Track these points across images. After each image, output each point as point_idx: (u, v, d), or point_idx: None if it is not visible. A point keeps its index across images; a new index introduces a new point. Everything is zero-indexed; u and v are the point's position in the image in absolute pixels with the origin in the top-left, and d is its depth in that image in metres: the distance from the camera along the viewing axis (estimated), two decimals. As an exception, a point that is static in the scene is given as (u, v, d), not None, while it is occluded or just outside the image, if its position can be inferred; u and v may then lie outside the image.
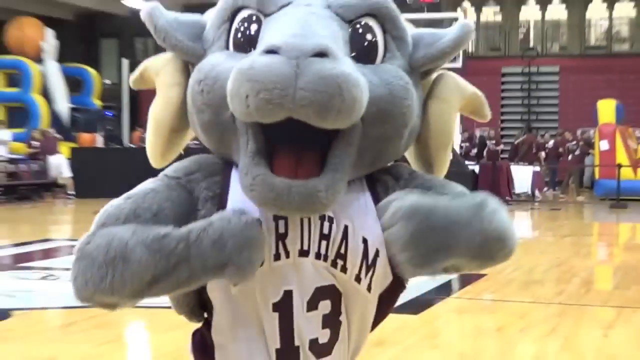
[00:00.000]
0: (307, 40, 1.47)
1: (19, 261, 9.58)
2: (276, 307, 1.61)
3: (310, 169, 1.52)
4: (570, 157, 22.12)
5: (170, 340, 5.11)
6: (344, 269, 1.62)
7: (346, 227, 1.62)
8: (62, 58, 23.44)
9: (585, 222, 16.53)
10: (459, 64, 15.48)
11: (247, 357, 1.65)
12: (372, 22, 1.63)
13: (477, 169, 19.12)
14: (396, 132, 1.62)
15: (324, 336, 1.65)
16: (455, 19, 10.68)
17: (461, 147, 22.56)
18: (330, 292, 1.63)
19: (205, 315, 1.73)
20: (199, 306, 1.72)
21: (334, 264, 1.62)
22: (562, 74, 28.99)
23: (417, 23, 1.80)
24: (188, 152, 1.79)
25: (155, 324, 5.83)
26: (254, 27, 1.60)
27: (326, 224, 1.61)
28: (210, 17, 1.70)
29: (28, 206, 17.44)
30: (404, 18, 1.70)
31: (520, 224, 15.28)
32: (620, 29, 30.67)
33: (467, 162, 19.79)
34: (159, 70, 1.73)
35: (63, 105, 22.97)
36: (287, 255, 1.60)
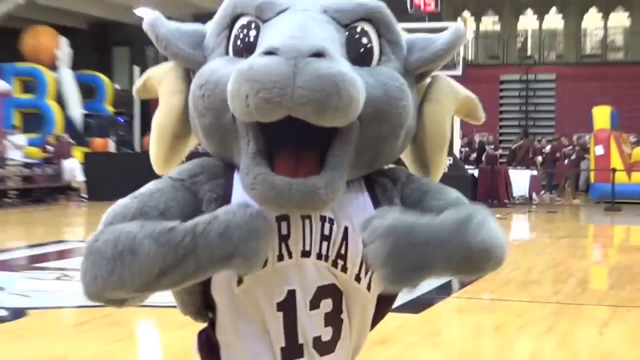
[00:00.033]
0: (305, 41, 1.48)
1: (34, 262, 9.60)
2: (280, 306, 1.63)
3: (310, 168, 1.52)
4: (566, 161, 22.18)
5: (179, 339, 5.01)
6: (344, 269, 1.64)
7: (346, 229, 1.63)
8: (75, 66, 23.49)
9: (581, 225, 16.50)
10: (458, 71, 15.43)
11: (253, 356, 1.66)
12: (367, 27, 1.64)
13: (476, 173, 19.13)
14: (392, 132, 1.63)
15: (326, 334, 1.66)
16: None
17: (461, 152, 22.58)
18: (332, 291, 1.65)
19: (210, 315, 1.73)
20: (204, 306, 1.73)
21: (334, 264, 1.64)
22: (559, 82, 29.14)
23: (418, 32, 1.80)
24: (192, 157, 1.78)
25: (164, 323, 5.83)
26: (252, 33, 1.61)
27: (327, 225, 1.62)
28: (210, 26, 1.72)
29: (42, 209, 17.46)
30: (400, 26, 1.72)
31: (518, 227, 15.52)
32: (615, 38, 30.85)
33: (466, 167, 19.85)
34: (161, 79, 1.73)
35: (76, 111, 23.07)
36: (290, 256, 1.61)
